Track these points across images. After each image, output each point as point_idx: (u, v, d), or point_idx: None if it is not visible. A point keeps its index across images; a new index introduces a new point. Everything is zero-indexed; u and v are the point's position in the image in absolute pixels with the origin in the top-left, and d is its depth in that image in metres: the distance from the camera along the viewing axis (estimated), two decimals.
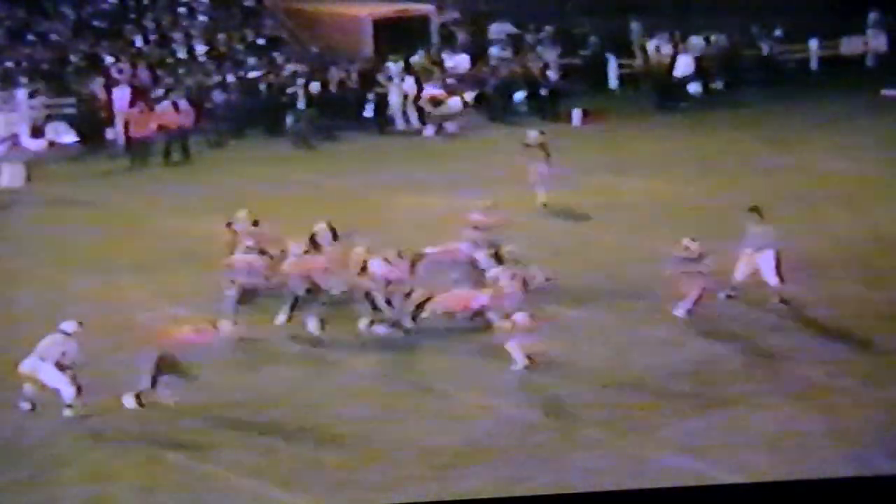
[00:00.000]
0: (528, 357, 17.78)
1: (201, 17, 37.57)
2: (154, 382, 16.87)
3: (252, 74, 34.80)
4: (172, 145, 30.93)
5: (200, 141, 31.75)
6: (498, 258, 19.91)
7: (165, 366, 16.93)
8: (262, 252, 20.02)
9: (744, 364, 17.91)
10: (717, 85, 36.12)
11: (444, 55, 36.65)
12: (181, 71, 34.91)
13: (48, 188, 27.96)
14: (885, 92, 34.60)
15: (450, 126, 33.01)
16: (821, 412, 16.25)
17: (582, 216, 24.63)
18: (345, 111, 33.74)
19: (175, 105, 31.61)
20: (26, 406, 17.03)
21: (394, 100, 33.95)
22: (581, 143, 31.27)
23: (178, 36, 36.52)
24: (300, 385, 17.85)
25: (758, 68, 36.89)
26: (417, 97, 33.86)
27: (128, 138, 31.54)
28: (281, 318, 19.36)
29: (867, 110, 32.90)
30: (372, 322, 19.24)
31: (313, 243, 19.97)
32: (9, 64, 34.42)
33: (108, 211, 26.66)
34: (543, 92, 34.73)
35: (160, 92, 33.01)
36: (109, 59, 34.77)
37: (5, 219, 26.39)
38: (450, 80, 34.91)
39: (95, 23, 36.64)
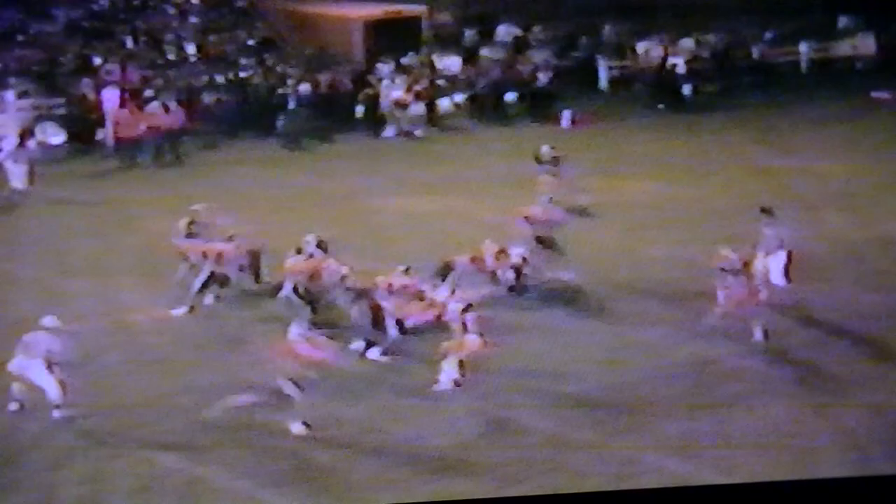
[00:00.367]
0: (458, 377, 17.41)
1: (192, 19, 37.53)
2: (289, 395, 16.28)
3: (243, 75, 34.79)
4: (163, 146, 30.91)
5: (191, 142, 31.72)
6: (546, 245, 20.54)
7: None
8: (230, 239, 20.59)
9: (736, 366, 17.93)
10: (708, 87, 36.14)
11: (436, 56, 36.67)
12: (171, 72, 34.87)
13: (38, 189, 27.88)
14: (874, 94, 34.68)
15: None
16: (817, 413, 16.30)
17: (572, 218, 24.58)
18: (336, 112, 33.71)
19: (165, 106, 31.58)
20: (14, 407, 17.00)
21: (385, 102, 33.92)
22: (571, 144, 31.26)
23: (168, 37, 36.49)
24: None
25: (749, 70, 36.94)
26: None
27: (117, 139, 31.52)
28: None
29: (857, 112, 32.96)
30: (369, 345, 18.68)
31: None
32: None
33: (98, 212, 26.61)
34: (534, 93, 34.81)
35: (150, 93, 32.98)
36: (99, 61, 34.72)
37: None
38: (440, 82, 34.97)
39: (86, 24, 36.59)
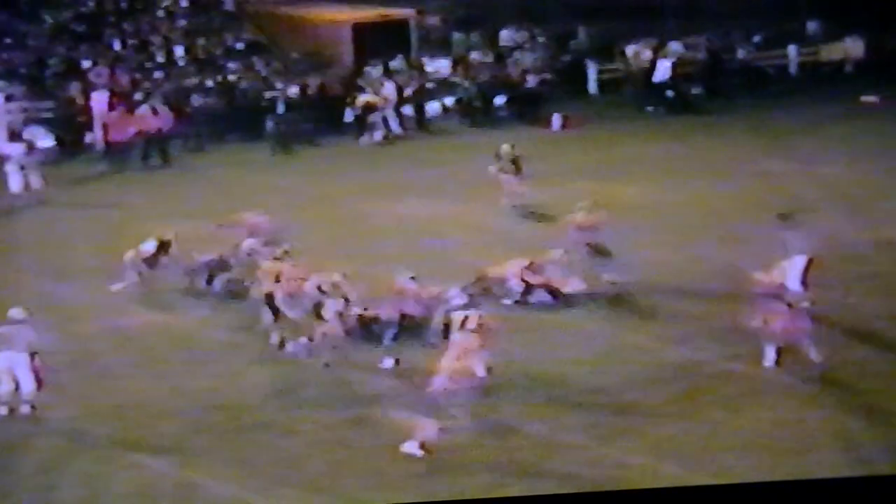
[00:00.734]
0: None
1: (180, 22, 37.47)
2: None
3: (231, 78, 34.75)
4: (151, 149, 30.86)
5: (180, 145, 31.66)
6: (599, 251, 20.71)
7: None
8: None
9: (724, 369, 17.93)
10: (697, 90, 36.17)
11: (425, 59, 36.66)
12: (160, 75, 34.80)
13: (26, 192, 27.81)
14: (863, 98, 34.73)
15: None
16: (810, 414, 16.30)
17: (561, 221, 24.55)
18: (325, 116, 33.67)
19: (153, 109, 31.52)
20: (3, 411, 16.95)
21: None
22: (561, 147, 31.32)
23: (156, 40, 36.42)
24: (280, 390, 17.78)
25: (737, 74, 36.98)
26: (398, 102, 33.90)
27: (106, 142, 31.47)
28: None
29: (846, 116, 33.00)
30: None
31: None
32: None
33: (87, 214, 26.56)
34: (523, 96, 34.83)
35: (139, 96, 32.91)
36: (88, 64, 34.64)
37: None
38: (430, 85, 34.97)
39: (74, 27, 36.50)
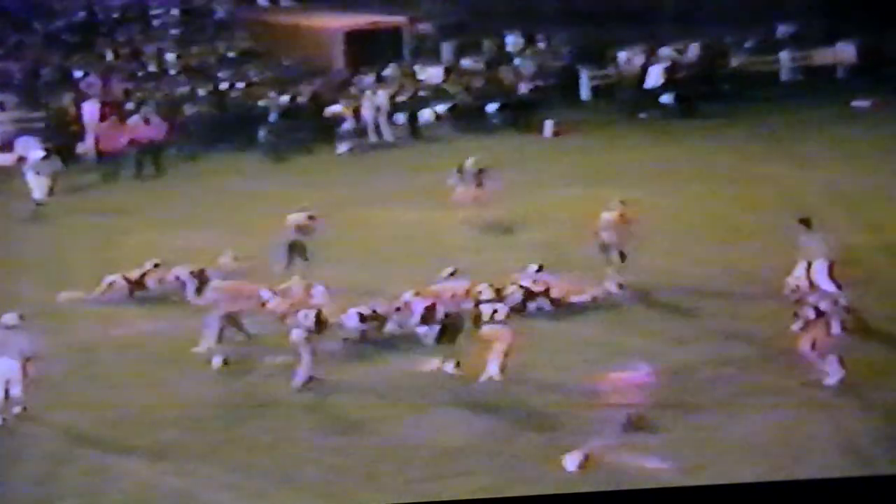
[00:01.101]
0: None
1: (172, 31, 37.48)
2: None
3: (223, 87, 34.74)
4: (144, 159, 30.84)
5: (173, 155, 31.63)
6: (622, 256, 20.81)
7: None
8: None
9: (718, 371, 17.89)
10: (689, 96, 36.18)
11: (417, 67, 36.68)
12: (152, 84, 34.79)
13: (18, 203, 27.79)
14: (854, 103, 34.78)
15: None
16: (809, 414, 16.29)
17: (555, 228, 24.60)
18: (317, 124, 33.66)
19: (146, 118, 31.51)
20: None
21: (366, 112, 33.92)
22: (553, 154, 31.34)
23: (149, 49, 36.42)
24: (274, 398, 17.75)
25: (729, 79, 37.02)
26: (391, 110, 33.94)
27: (98, 152, 31.43)
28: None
29: (838, 121, 33.05)
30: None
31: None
32: None
33: (80, 225, 26.52)
34: (515, 103, 34.87)
35: (131, 105, 32.89)
36: (80, 73, 34.61)
37: None
38: (422, 93, 35.00)
39: (65, 37, 36.50)
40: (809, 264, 19.89)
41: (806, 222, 20.37)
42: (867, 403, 16.62)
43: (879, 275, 21.28)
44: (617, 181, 27.90)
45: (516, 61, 37.34)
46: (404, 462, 15.68)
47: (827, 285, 19.55)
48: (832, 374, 17.20)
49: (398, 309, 19.44)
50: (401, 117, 34.33)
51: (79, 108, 32.78)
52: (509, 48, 38.21)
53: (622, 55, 37.18)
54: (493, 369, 17.71)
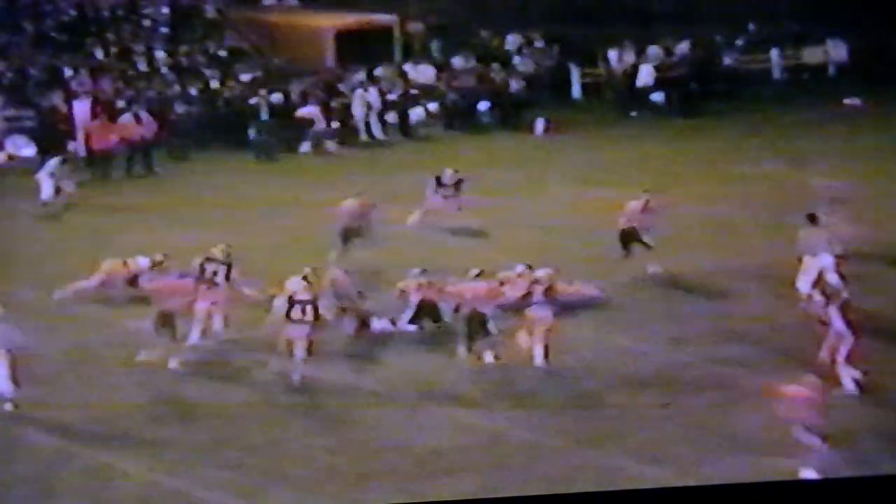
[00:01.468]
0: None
1: (162, 29, 37.36)
2: None
3: (214, 86, 34.66)
4: (135, 158, 30.75)
5: (163, 153, 31.54)
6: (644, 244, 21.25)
7: None
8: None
9: (709, 371, 17.87)
10: (681, 94, 36.16)
11: (408, 66, 36.63)
12: (142, 83, 34.68)
13: (8, 202, 27.70)
14: (846, 101, 34.79)
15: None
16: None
17: (545, 226, 24.53)
18: (307, 123, 33.59)
19: (136, 117, 31.42)
20: None
21: (357, 111, 33.88)
22: (544, 152, 31.32)
23: (138, 48, 36.32)
24: (265, 399, 17.71)
25: (720, 77, 37.02)
26: (382, 109, 33.90)
27: (89, 151, 31.34)
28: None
29: (829, 119, 33.05)
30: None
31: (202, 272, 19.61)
32: None
33: (71, 224, 26.43)
34: (506, 101, 34.85)
35: (122, 104, 32.80)
36: (69, 72, 34.51)
37: None
38: (413, 91, 34.97)
39: (55, 35, 36.36)
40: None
41: (812, 218, 20.32)
42: (868, 403, 16.54)
43: (872, 272, 21.26)
44: (609, 179, 27.92)
45: (515, 59, 37.29)
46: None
47: (835, 280, 19.50)
48: (847, 383, 16.97)
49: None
50: (392, 116, 34.29)
51: (69, 106, 32.69)
52: (508, 47, 38.13)
53: (612, 54, 37.17)
54: (538, 354, 18.00)
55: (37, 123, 32.84)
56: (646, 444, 15.84)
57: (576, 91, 37.16)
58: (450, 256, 22.05)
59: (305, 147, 32.61)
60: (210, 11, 38.42)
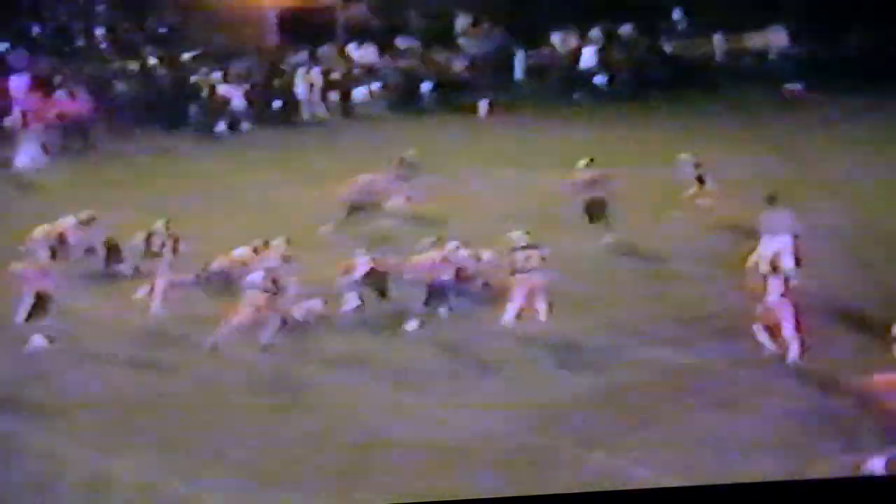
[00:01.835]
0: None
1: (100, 6, 36.96)
2: None
3: (152, 63, 34.32)
4: (71, 134, 30.41)
5: (102, 131, 31.15)
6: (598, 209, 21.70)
7: None
8: None
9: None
10: (623, 77, 36.21)
11: (352, 46, 36.45)
12: (79, 60, 34.29)
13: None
14: (787, 86, 34.96)
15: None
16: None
17: (491, 211, 24.28)
18: (249, 102, 33.34)
19: (71, 93, 31.09)
20: None
21: (300, 91, 33.68)
22: (488, 135, 31.23)
23: (77, 25, 35.90)
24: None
25: (662, 61, 37.08)
26: (325, 88, 33.71)
27: (25, 127, 30.95)
28: None
29: (768, 104, 33.17)
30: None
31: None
32: None
33: (6, 197, 26.11)
34: (450, 82, 34.77)
35: (59, 80, 32.42)
36: (6, 47, 34.08)
37: None
38: (356, 71, 34.81)
39: None
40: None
41: (771, 199, 20.29)
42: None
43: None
44: (552, 160, 27.80)
45: (461, 41, 37.18)
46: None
47: (789, 262, 19.41)
48: (791, 351, 17.04)
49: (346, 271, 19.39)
50: (333, 95, 34.09)
51: (6, 82, 32.29)
52: (457, 29, 38.01)
53: (556, 36, 37.14)
54: (541, 310, 18.35)
55: None
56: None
57: (519, 73, 37.09)
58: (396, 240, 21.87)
59: (220, 127, 32.30)
60: None
